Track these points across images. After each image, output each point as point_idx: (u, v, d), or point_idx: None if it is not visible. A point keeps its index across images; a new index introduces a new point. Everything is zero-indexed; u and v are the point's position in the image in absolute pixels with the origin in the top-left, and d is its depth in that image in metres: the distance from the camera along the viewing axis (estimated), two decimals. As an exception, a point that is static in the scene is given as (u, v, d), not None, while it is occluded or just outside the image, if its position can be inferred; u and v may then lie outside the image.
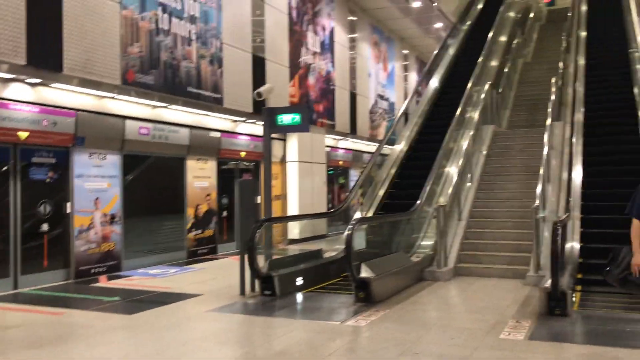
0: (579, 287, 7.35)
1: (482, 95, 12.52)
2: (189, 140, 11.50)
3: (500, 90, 13.45)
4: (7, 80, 7.97)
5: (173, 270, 9.99)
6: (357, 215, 10.38)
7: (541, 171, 8.73)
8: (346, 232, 7.43)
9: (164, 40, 10.49)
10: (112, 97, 9.61)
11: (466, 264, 8.92)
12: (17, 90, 8.15)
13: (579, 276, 7.43)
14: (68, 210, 8.98)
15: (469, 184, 10.41)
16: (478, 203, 10.12)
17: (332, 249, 9.62)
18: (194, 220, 11.75)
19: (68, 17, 8.51)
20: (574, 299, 6.84)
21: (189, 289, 8.11)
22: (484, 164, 11.13)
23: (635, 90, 11.10)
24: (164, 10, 10.52)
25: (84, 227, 9.20)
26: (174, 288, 8.24)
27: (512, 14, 17.67)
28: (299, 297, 7.60)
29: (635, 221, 5.17)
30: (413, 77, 24.41)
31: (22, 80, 8.11)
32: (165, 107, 10.70)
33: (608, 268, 5.47)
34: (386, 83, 21.77)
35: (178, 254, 11.27)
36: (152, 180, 10.88)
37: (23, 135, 8.25)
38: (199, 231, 11.87)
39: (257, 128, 13.32)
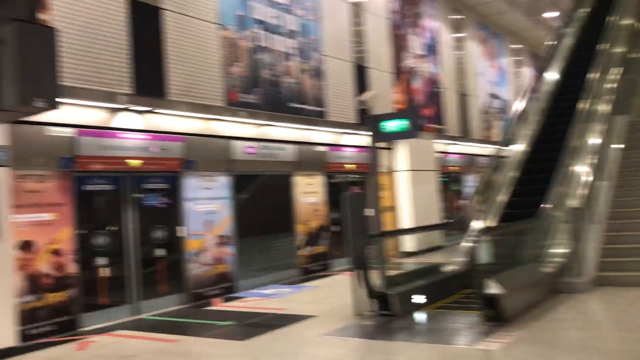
0: None
1: (611, 85, 11.27)
2: (295, 157, 11.31)
3: (629, 77, 12.07)
4: (115, 110, 8.13)
5: (286, 290, 9.75)
6: (477, 224, 9.60)
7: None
8: (469, 244, 6.75)
9: (264, 57, 10.39)
10: (217, 119, 9.61)
11: (608, 272, 7.88)
12: (126, 119, 8.30)
13: None
14: (181, 234, 9.02)
15: (604, 183, 9.30)
16: (617, 203, 8.99)
17: (451, 262, 8.91)
18: (305, 237, 11.50)
19: (169, 43, 8.59)
20: None
21: (303, 309, 7.79)
22: (622, 158, 9.93)
23: None
24: (263, 28, 10.43)
25: (197, 250, 9.21)
26: (288, 309, 7.95)
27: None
28: (419, 316, 7.03)
29: None
30: (526, 72, 22.96)
31: (129, 109, 8.25)
32: (269, 124, 10.58)
33: None
34: (497, 81, 20.60)
35: (290, 272, 11.06)
36: (260, 199, 10.77)
37: (134, 162, 8.38)
38: (310, 248, 11.60)
39: (362, 139, 12.90)
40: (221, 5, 9.57)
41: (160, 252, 8.76)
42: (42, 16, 6.85)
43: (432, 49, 16.34)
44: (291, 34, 11.11)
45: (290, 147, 11.19)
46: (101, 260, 7.96)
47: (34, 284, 7.05)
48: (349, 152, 12.87)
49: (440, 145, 16.31)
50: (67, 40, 7.19)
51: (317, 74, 11.69)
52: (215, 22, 9.43)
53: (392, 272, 8.67)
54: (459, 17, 17.90)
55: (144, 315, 8.22)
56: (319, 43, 11.82)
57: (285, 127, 10.94)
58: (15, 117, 5.88)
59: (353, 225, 7.44)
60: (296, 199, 11.40)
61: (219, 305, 8.80)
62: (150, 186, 8.70)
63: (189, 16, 8.93)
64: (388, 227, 13.19)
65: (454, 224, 11.15)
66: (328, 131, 12.14)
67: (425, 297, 7.47)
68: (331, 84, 12.01)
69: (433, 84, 16.21)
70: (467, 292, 7.55)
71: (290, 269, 11.11)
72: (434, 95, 16.17)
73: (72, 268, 7.47)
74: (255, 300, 9.00)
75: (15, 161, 6.81)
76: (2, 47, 4.82)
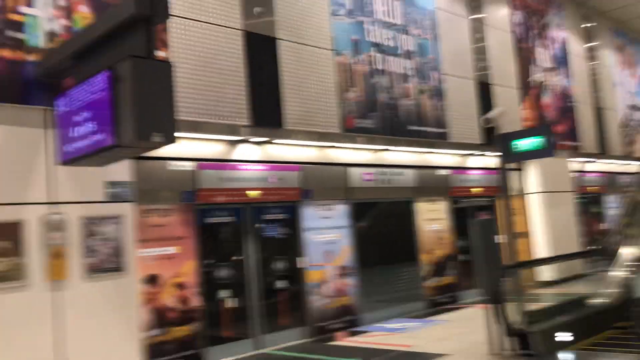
0: None
1: None
2: (415, 182, 10.79)
3: None
4: (234, 142, 8.15)
5: (413, 324, 9.17)
6: (628, 250, 8.47)
7: None
8: (622, 273, 5.88)
9: (380, 80, 10.06)
10: (334, 146, 9.38)
11: None
12: (244, 151, 8.29)
13: None
14: (302, 265, 8.81)
15: None
16: None
17: (599, 293, 7.89)
18: (430, 267, 10.86)
19: (285, 73, 8.53)
20: None
21: (432, 347, 7.20)
22: None
23: None
24: (378, 50, 10.13)
25: (319, 282, 8.93)
26: (416, 346, 7.40)
27: None
28: (565, 357, 6.18)
29: None
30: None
31: (248, 141, 8.24)
32: (386, 149, 10.18)
33: None
34: (638, 90, 18.74)
35: (416, 304, 10.45)
36: (380, 227, 10.33)
37: (253, 194, 8.33)
38: (437, 279, 10.93)
39: (489, 160, 12.09)
40: (336, 31, 9.41)
41: (281, 283, 8.59)
42: (160, 52, 7.01)
43: (562, 61, 15.17)
44: (408, 55, 10.70)
45: (409, 172, 10.70)
46: (224, 293, 7.91)
47: (160, 317, 7.10)
48: (474, 174, 12.10)
49: (576, 163, 14.95)
50: (185, 74, 7.31)
51: (437, 94, 11.15)
52: (331, 49, 9.27)
53: (532, 306, 7.85)
54: (590, 25, 16.54)
55: (267, 350, 8.03)
56: (438, 62, 11.30)
57: (403, 151, 10.48)
58: (135, 153, 5.97)
59: (484, 254, 6.79)
60: (419, 226, 10.82)
61: (343, 340, 8.41)
62: (269, 217, 8.60)
63: (304, 44, 8.84)
64: (522, 255, 12.15)
65: (599, 250, 9.99)
66: (450, 153, 11.50)
67: (571, 334, 6.61)
68: (452, 103, 11.40)
69: (565, 98, 14.99)
70: (621, 327, 6.59)
71: (416, 301, 10.50)
72: (566, 110, 14.93)
73: (196, 301, 7.47)
74: (381, 335, 8.52)
75: (140, 196, 6.95)
76: (120, 83, 4.87)
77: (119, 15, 4.97)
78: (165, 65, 5.14)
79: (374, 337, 8.38)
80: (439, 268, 11.03)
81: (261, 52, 8.29)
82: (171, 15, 7.15)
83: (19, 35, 5.96)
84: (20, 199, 5.83)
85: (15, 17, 5.96)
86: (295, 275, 8.75)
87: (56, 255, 5.97)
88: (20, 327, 5.67)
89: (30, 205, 5.87)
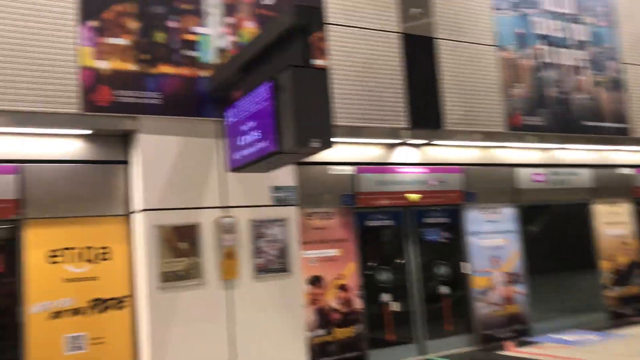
0: None
1: None
2: (592, 182, 9.90)
3: None
4: (392, 145, 8.13)
5: (591, 337, 8.41)
6: None
7: None
8: None
9: (549, 74, 9.39)
10: (499, 146, 8.94)
11: None
12: (403, 154, 8.23)
13: None
14: (466, 271, 8.51)
15: None
16: None
17: None
18: (612, 275, 9.88)
19: (444, 72, 8.32)
20: None
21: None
22: None
23: None
24: (547, 43, 9.47)
25: (484, 288, 8.56)
26: (594, 362, 6.79)
27: None
28: None
29: None
30: None
31: (406, 143, 8.16)
32: (558, 148, 9.46)
33: None
34: None
35: (594, 316, 9.56)
36: (552, 232, 9.62)
37: (412, 197, 8.23)
38: (620, 288, 9.91)
39: (682, 156, 10.72)
40: (499, 26, 8.97)
41: (444, 289, 8.37)
42: (319, 60, 7.21)
43: None
44: (580, 45, 9.86)
45: (585, 172, 9.85)
46: (385, 296, 7.90)
47: (323, 318, 7.29)
48: (663, 173, 10.81)
49: None
50: (343, 80, 7.44)
51: (616, 85, 10.13)
52: (493, 44, 8.85)
53: None
54: None
55: (431, 356, 7.88)
56: (616, 51, 10.27)
57: (578, 149, 9.67)
58: (296, 159, 6.20)
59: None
60: (597, 230, 9.91)
61: (512, 350, 7.97)
62: (430, 220, 8.44)
63: (464, 42, 8.55)
64: None
65: None
66: (634, 150, 10.38)
67: None
68: (635, 95, 10.29)
69: None
70: None
71: (595, 312, 9.62)
72: None
73: (357, 303, 7.56)
74: (554, 347, 7.93)
75: (302, 200, 7.21)
76: (280, 93, 5.09)
77: (278, 28, 5.20)
78: (322, 72, 5.27)
79: (547, 349, 7.82)
80: (622, 276, 9.99)
81: (419, 53, 8.17)
82: (328, 23, 7.35)
83: (193, 54, 6.51)
84: (196, 203, 6.35)
85: (190, 37, 6.51)
86: (458, 281, 8.48)
87: (228, 256, 6.40)
88: (198, 323, 6.17)
89: (205, 210, 6.37)
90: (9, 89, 5.59)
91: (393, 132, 7.84)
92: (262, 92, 5.32)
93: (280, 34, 5.19)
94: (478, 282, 8.53)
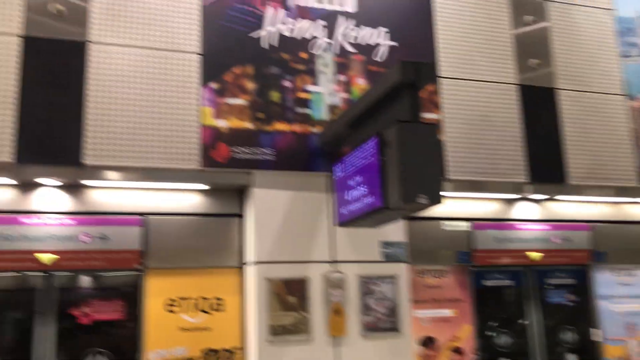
0: None
1: None
2: None
3: None
4: (511, 201, 7.75)
5: None
6: None
7: None
8: None
9: (690, 123, 8.56)
10: (631, 202, 8.22)
11: None
12: (523, 209, 7.81)
13: None
14: (596, 338, 7.77)
15: None
16: None
17: None
18: None
19: (566, 124, 7.87)
20: None
21: None
22: None
23: None
24: (685, 89, 8.68)
25: (618, 359, 7.74)
26: None
27: None
28: None
29: None
30: None
31: (526, 198, 7.75)
32: None
33: None
34: None
35: None
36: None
37: (534, 255, 7.74)
38: None
39: None
40: (627, 74, 8.39)
41: (572, 357, 7.67)
42: (430, 114, 7.12)
43: None
44: None
45: None
46: (504, 362, 7.40)
47: (435, 382, 6.95)
48: None
49: None
50: (457, 134, 7.27)
51: None
52: (621, 94, 8.27)
53: None
54: None
55: None
56: None
57: None
58: (402, 215, 6.09)
59: None
60: None
61: None
62: (553, 281, 7.86)
63: (588, 92, 8.07)
64: None
65: None
66: None
67: None
68: None
69: None
70: None
71: None
72: None
73: (473, 368, 7.14)
74: None
75: (413, 256, 7.03)
76: (387, 148, 5.07)
77: (385, 84, 5.23)
78: (431, 127, 5.19)
79: None
80: None
81: (538, 104, 7.82)
82: (440, 77, 7.29)
83: (306, 111, 6.71)
84: (306, 257, 6.40)
85: (303, 95, 6.74)
86: (588, 349, 7.75)
87: (336, 312, 6.34)
88: (304, 378, 6.12)
89: (314, 264, 6.40)
90: (139, 147, 6.07)
91: (512, 187, 7.47)
92: (369, 147, 5.33)
93: (389, 90, 5.21)
94: (611, 352, 7.74)
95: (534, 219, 7.86)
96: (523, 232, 7.80)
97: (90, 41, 6.12)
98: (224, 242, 6.63)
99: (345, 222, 5.95)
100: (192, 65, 6.42)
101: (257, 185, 6.41)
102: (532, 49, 7.93)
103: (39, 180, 6.00)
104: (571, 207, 8.03)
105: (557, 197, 7.81)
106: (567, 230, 7.95)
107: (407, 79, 4.95)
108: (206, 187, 6.57)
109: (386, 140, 5.09)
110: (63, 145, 5.85)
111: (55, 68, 5.97)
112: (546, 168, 7.67)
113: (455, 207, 7.42)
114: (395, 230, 6.76)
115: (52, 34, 6.02)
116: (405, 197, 4.87)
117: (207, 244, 6.55)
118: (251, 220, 6.39)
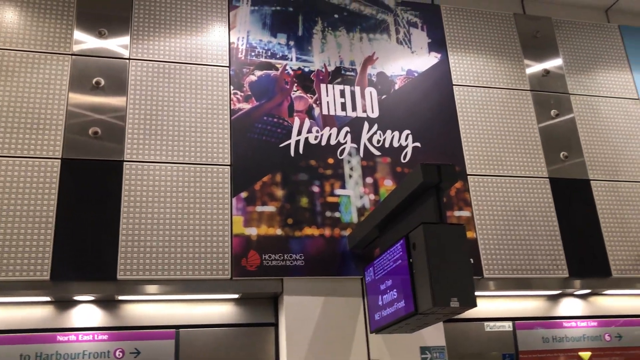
0: None
1: None
2: None
3: None
4: (553, 297, 7.45)
5: None
6: None
7: None
8: None
9: None
10: (685, 293, 7.79)
11: None
12: (567, 306, 7.48)
13: None
14: None
15: None
16: None
17: None
18: None
19: (602, 215, 7.66)
20: None
21: None
22: None
23: None
24: None
25: None
26: None
27: None
28: None
29: None
30: None
31: (568, 294, 7.44)
32: None
33: None
34: None
35: None
36: None
37: (584, 355, 7.30)
38: None
39: None
40: (664, 159, 8.24)
41: None
42: (460, 212, 7.06)
43: None
44: None
45: None
46: None
47: None
48: None
49: None
50: (489, 231, 7.14)
51: None
52: (660, 180, 8.09)
53: None
54: None
55: None
56: None
57: None
58: (436, 320, 5.80)
59: None
60: None
61: None
62: (610, 383, 7.34)
63: (621, 181, 7.92)
64: None
65: None
66: None
67: None
68: None
69: None
70: None
71: None
72: None
73: None
74: None
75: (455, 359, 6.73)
76: (414, 251, 5.00)
77: (410, 185, 5.25)
78: (458, 228, 5.12)
79: None
80: None
81: (572, 196, 7.69)
82: (468, 174, 7.30)
83: (335, 215, 6.75)
84: (341, 365, 6.20)
85: (332, 199, 6.81)
86: None
87: None
88: None
89: (350, 372, 6.18)
90: (176, 260, 6.15)
91: (554, 283, 7.20)
92: (397, 250, 5.28)
93: (413, 191, 5.23)
94: None
95: (581, 315, 7.49)
96: (571, 330, 7.41)
97: (125, 160, 6.41)
98: (259, 352, 6.50)
99: (380, 328, 5.79)
100: (224, 177, 6.61)
101: (288, 292, 6.35)
102: (560, 142, 7.92)
103: (75, 297, 6.10)
104: (619, 301, 7.64)
105: (601, 291, 7.46)
106: (620, 327, 7.53)
107: (428, 181, 4.98)
108: (238, 296, 6.54)
109: (413, 242, 5.04)
110: (98, 261, 5.98)
111: (92, 186, 6.24)
112: (587, 261, 7.39)
113: (496, 306, 7.16)
114: (435, 334, 6.52)
115: (89, 154, 6.34)
116: (437, 301, 4.74)
117: (240, 354, 6.43)
118: (283, 328, 6.28)
